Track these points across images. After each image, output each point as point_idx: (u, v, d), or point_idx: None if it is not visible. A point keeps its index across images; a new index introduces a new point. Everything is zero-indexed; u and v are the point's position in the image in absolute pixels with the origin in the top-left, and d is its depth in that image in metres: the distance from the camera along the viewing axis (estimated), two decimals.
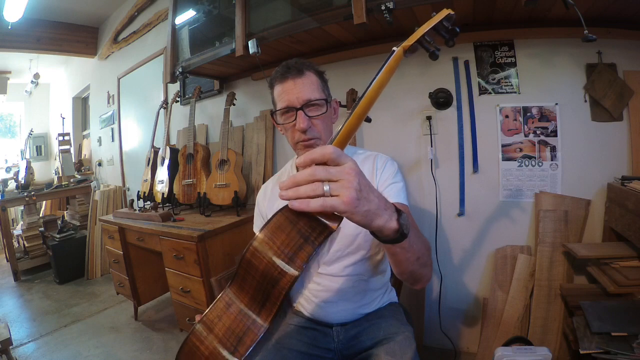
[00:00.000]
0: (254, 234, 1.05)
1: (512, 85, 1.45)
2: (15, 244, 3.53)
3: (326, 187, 0.44)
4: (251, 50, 1.52)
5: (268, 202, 1.00)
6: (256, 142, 2.08)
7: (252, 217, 1.07)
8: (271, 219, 0.52)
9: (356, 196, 0.44)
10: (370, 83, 0.54)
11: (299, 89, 0.83)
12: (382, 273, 0.95)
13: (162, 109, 2.54)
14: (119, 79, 3.25)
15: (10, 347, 1.65)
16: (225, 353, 0.51)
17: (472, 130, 1.50)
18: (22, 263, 3.39)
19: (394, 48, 0.56)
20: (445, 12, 0.56)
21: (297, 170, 0.99)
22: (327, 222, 0.48)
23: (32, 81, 4.33)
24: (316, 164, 0.46)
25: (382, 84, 0.55)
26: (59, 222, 3.28)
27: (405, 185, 0.87)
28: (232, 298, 0.54)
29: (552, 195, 1.40)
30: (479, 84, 1.49)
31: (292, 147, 0.91)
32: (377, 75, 0.55)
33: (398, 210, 0.53)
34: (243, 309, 0.53)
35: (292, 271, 0.48)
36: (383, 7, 1.17)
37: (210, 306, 0.56)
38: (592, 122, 1.35)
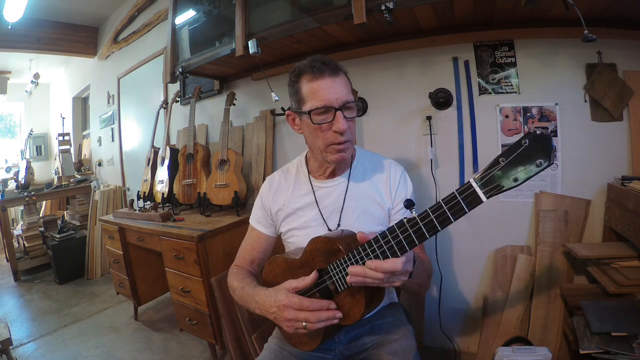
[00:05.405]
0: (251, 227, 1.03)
1: (512, 85, 1.45)
2: (15, 244, 3.54)
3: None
4: (251, 50, 1.52)
5: (273, 195, 0.98)
6: (256, 142, 2.08)
7: None
8: None
9: (401, 285, 0.66)
10: None
11: (337, 88, 0.78)
12: None
13: (162, 109, 2.54)
14: (119, 79, 3.25)
15: (10, 347, 1.65)
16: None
17: (472, 130, 1.50)
18: (22, 263, 3.39)
19: None
20: None
21: (308, 167, 0.96)
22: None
23: (32, 81, 4.33)
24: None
25: None
26: (59, 222, 3.28)
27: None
28: None
29: (552, 195, 1.40)
30: (479, 84, 1.49)
31: (317, 149, 0.84)
32: None
33: (414, 260, 0.66)
34: None
35: None
36: (383, 7, 1.17)
37: None
38: (592, 122, 1.36)
